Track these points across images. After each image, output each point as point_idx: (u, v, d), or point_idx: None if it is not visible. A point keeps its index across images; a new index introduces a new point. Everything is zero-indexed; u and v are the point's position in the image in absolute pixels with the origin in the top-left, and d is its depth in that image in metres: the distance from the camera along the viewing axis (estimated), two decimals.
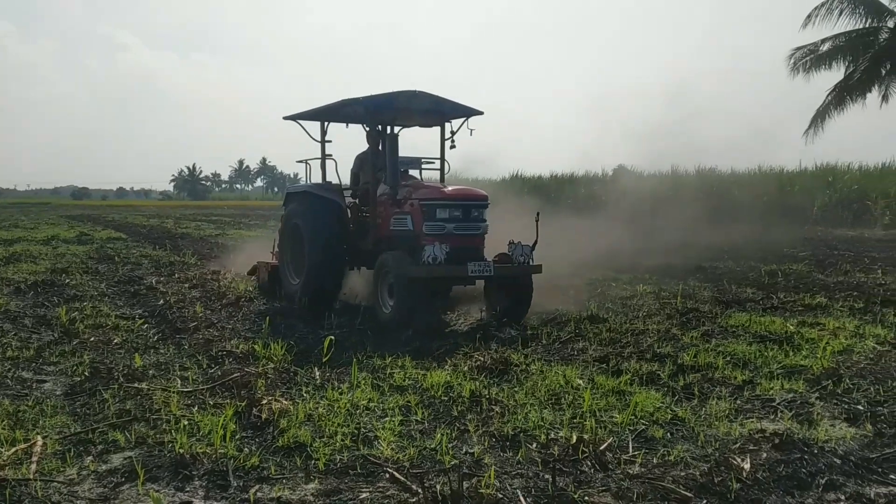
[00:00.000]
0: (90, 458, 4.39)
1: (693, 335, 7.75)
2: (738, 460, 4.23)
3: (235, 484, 3.98)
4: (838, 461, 4.32)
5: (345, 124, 10.97)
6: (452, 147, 10.31)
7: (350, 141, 11.57)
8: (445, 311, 9.87)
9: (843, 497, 3.95)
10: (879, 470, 4.28)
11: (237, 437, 4.71)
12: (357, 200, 10.61)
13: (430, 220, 8.87)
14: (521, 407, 5.30)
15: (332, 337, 6.61)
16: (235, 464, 4.21)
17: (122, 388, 5.78)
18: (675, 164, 34.28)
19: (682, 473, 4.14)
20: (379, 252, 9.33)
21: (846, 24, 26.30)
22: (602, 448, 4.42)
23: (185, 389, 5.81)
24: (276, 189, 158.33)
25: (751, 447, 4.47)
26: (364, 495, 3.85)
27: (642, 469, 4.21)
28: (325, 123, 10.62)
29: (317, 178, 10.84)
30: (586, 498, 3.74)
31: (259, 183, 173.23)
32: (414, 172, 10.47)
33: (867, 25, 26.11)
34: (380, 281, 8.97)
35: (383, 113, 9.99)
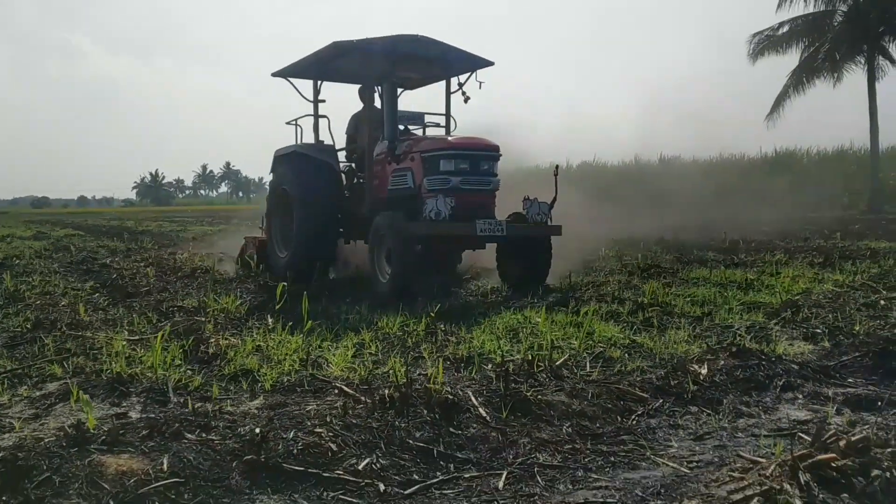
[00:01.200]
0: (25, 387, 4.18)
1: (654, 284, 7.69)
2: (696, 367, 4.16)
3: (175, 400, 3.80)
4: (796, 367, 4.26)
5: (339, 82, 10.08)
6: (466, 100, 9.08)
7: (345, 98, 10.54)
8: (459, 281, 8.81)
9: (800, 396, 3.89)
10: (837, 375, 4.23)
11: (182, 368, 4.53)
12: (353, 165, 9.55)
13: (433, 174, 7.66)
14: (478, 338, 5.17)
15: (286, 283, 6.42)
16: (176, 383, 4.03)
17: (65, 335, 5.55)
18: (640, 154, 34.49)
19: (639, 378, 4.05)
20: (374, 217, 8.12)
21: (809, 6, 26.67)
22: (558, 363, 4.32)
23: (132, 338, 5.60)
24: (240, 194, 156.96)
25: (709, 357, 4.40)
26: (311, 407, 3.69)
27: (599, 377, 4.11)
28: (318, 82, 9.55)
29: (309, 140, 9.75)
30: (539, 397, 3.62)
31: (224, 188, 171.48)
32: (417, 131, 9.26)
33: (823, 8, 26.54)
34: (376, 247, 7.80)
35: (380, 59, 8.50)
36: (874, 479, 2.42)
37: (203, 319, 6.00)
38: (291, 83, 9.65)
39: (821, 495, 2.41)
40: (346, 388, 3.88)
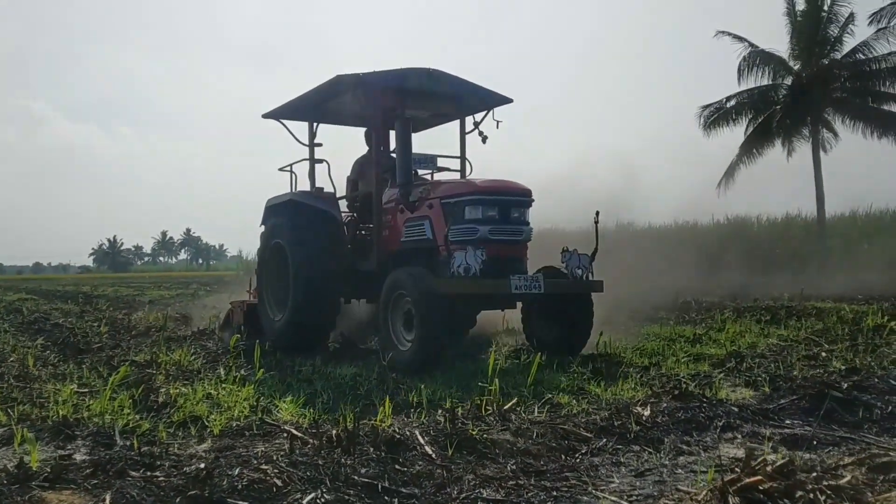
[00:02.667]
0: None
1: (604, 339, 7.81)
2: (639, 409, 4.26)
3: (122, 443, 3.78)
4: (736, 409, 4.39)
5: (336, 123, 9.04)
6: (484, 140, 8.08)
7: (342, 141, 9.57)
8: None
9: (739, 436, 4.00)
10: (775, 416, 4.36)
11: (130, 415, 4.50)
12: (355, 214, 8.59)
13: (458, 223, 6.60)
14: (430, 386, 5.23)
15: (239, 335, 6.44)
16: (123, 427, 4.01)
17: (12, 386, 5.47)
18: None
19: (584, 420, 4.14)
20: (386, 274, 7.05)
21: (758, 80, 27.87)
22: (506, 407, 4.39)
23: (81, 390, 5.53)
24: (200, 260, 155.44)
25: (652, 400, 4.51)
26: (259, 449, 3.71)
27: (545, 419, 4.19)
28: (315, 125, 8.65)
29: (304, 188, 8.78)
30: (485, 436, 3.69)
31: (183, 255, 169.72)
32: (426, 176, 8.36)
33: (770, 83, 27.76)
34: (390, 310, 6.64)
35: (390, 95, 7.59)
36: (798, 500, 2.53)
37: (154, 371, 5.96)
38: (285, 125, 8.72)
39: None
40: (294, 431, 3.89)
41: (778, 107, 27.97)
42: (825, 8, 26.69)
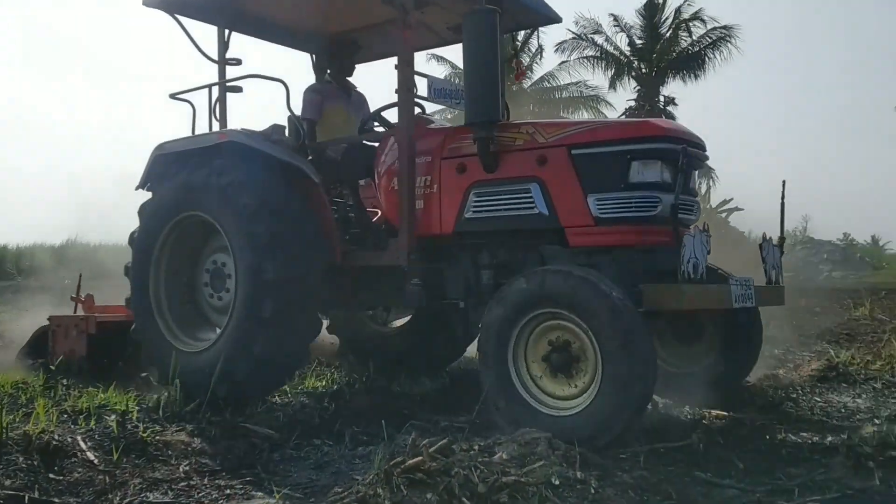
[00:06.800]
0: None
1: None
2: (326, 403, 4.33)
3: None
4: (419, 399, 4.63)
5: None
6: (521, 76, 5.12)
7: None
8: None
9: (418, 423, 4.20)
10: (448, 407, 4.65)
11: None
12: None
13: (614, 188, 4.01)
14: (103, 391, 4.82)
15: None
16: None
17: None
18: None
19: (269, 417, 4.14)
20: (414, 273, 4.49)
21: None
22: (188, 409, 4.21)
23: None
24: None
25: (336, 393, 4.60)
26: None
27: (228, 418, 4.08)
28: (228, 32, 5.48)
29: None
30: (157, 438, 3.50)
31: None
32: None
33: None
34: (512, 343, 3.87)
35: None
36: (455, 476, 2.70)
37: None
38: (180, 23, 5.21)
39: (409, 494, 2.63)
40: None
41: None
42: (519, 38, 29.32)
